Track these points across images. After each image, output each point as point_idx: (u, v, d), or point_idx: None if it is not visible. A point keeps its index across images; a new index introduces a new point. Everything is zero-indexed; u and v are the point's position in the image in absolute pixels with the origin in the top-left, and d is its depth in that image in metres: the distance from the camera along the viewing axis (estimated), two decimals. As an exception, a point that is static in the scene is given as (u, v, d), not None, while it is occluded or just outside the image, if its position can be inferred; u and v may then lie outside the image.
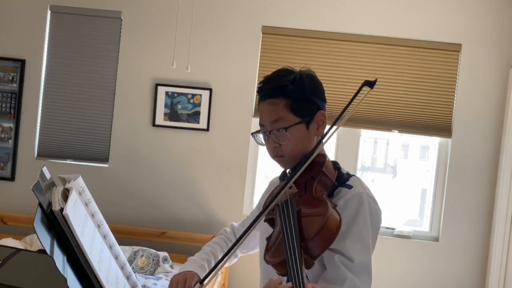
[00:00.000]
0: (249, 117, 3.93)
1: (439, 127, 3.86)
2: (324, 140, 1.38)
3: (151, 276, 3.38)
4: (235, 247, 1.35)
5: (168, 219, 3.96)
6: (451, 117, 3.85)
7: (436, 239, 3.91)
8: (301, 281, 1.07)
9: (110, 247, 1.32)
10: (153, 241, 3.84)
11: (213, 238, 1.75)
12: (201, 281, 1.39)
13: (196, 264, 1.54)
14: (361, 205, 1.34)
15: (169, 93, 3.93)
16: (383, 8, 3.87)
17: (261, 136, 1.47)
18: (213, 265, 1.54)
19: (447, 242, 3.86)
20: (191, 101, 3.93)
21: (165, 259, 3.58)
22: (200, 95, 3.92)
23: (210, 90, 3.92)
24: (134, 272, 2.58)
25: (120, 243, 1.53)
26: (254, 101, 3.93)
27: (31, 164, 3.97)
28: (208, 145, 3.95)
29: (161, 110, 3.94)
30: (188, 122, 3.93)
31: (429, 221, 3.97)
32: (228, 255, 1.38)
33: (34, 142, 4.01)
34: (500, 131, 3.82)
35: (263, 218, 1.34)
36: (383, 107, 3.85)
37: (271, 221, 1.35)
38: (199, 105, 3.93)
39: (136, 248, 3.64)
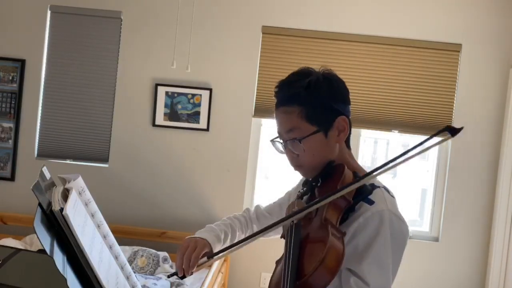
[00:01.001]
0: (249, 117, 3.93)
1: (439, 127, 3.85)
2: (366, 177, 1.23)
3: (151, 276, 3.38)
4: (249, 239, 1.30)
5: (168, 219, 3.96)
6: (451, 117, 3.85)
7: (436, 239, 3.91)
8: None
9: (110, 247, 1.32)
10: (153, 241, 3.84)
11: (235, 214, 1.67)
12: (211, 256, 1.35)
13: (213, 233, 1.47)
14: (382, 225, 1.22)
15: (169, 93, 3.93)
16: (383, 8, 3.87)
17: (279, 144, 1.38)
18: (228, 241, 1.50)
19: (447, 242, 3.87)
20: (191, 101, 3.93)
21: (165, 259, 3.58)
22: (200, 95, 3.92)
23: (210, 90, 3.92)
24: (134, 272, 2.58)
25: (120, 243, 1.53)
26: (254, 101, 3.93)
27: (31, 164, 3.97)
28: (208, 145, 3.95)
29: (161, 110, 3.94)
30: (188, 122, 3.93)
31: (429, 221, 3.97)
32: (242, 243, 1.32)
33: (34, 142, 4.01)
34: (500, 131, 3.82)
35: (278, 228, 1.30)
36: (383, 107, 3.85)
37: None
38: (199, 105, 3.93)
39: (136, 248, 3.64)
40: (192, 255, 1.36)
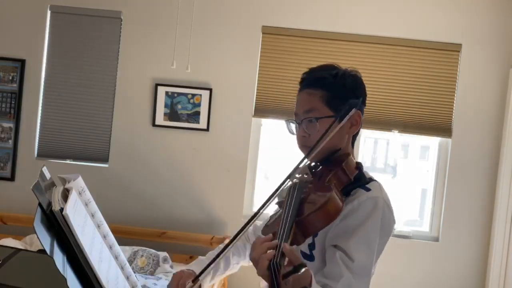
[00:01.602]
0: (249, 117, 3.93)
1: (439, 127, 3.86)
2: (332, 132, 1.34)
3: (151, 276, 3.38)
4: (237, 237, 1.33)
5: (168, 219, 3.96)
6: (451, 117, 3.85)
7: (436, 239, 3.91)
8: (280, 246, 1.07)
9: (110, 247, 1.32)
10: (153, 241, 3.84)
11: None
12: (194, 279, 1.39)
13: (198, 262, 1.54)
14: (375, 209, 1.32)
15: (169, 93, 3.93)
16: (383, 8, 3.87)
17: (293, 125, 1.46)
18: (222, 266, 1.55)
19: (447, 242, 3.87)
20: (191, 101, 3.93)
21: (165, 259, 3.58)
22: (200, 95, 3.92)
23: (210, 90, 3.92)
24: (134, 272, 2.58)
25: (120, 243, 1.53)
26: (254, 101, 3.93)
27: (31, 164, 3.97)
28: (208, 145, 3.95)
29: (161, 110, 3.94)
30: (188, 122, 3.93)
31: (429, 221, 3.97)
32: (227, 248, 1.37)
33: (34, 142, 4.01)
34: (500, 131, 3.82)
35: (275, 200, 1.34)
36: (383, 107, 3.85)
37: (281, 204, 1.34)
38: (199, 105, 3.93)
39: (136, 248, 3.64)
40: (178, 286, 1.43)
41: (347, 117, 1.36)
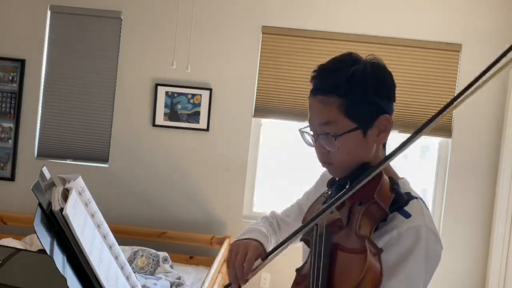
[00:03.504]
0: (249, 117, 3.93)
1: (439, 127, 3.86)
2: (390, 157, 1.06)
3: (151, 276, 3.38)
4: (277, 251, 1.16)
5: (168, 219, 3.96)
6: (451, 117, 3.85)
7: (436, 239, 3.90)
8: None
9: (110, 247, 1.32)
10: (153, 241, 3.84)
11: (258, 221, 1.48)
12: (265, 257, 1.20)
13: (259, 232, 1.31)
14: (418, 242, 1.07)
15: (169, 93, 3.93)
16: (383, 8, 3.87)
17: (308, 136, 1.21)
18: (273, 241, 1.34)
19: (447, 242, 3.86)
20: (191, 101, 3.93)
21: (165, 259, 3.58)
22: (200, 95, 3.92)
23: (210, 90, 3.92)
24: (134, 272, 2.58)
25: (120, 243, 1.53)
26: (254, 101, 3.93)
27: (31, 164, 3.97)
28: (208, 145, 3.95)
29: (161, 110, 3.94)
30: (188, 122, 3.93)
31: (429, 221, 3.96)
32: (277, 251, 1.17)
33: (34, 142, 4.01)
34: (500, 131, 3.82)
35: (299, 237, 1.14)
36: (383, 107, 3.84)
37: (307, 242, 1.15)
38: (199, 105, 3.93)
39: (136, 248, 3.63)
40: (245, 260, 1.19)
41: (375, 124, 1.15)
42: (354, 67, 1.16)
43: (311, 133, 1.20)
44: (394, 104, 1.23)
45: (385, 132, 1.19)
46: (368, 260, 0.97)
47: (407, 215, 1.09)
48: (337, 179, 1.22)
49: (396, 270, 1.06)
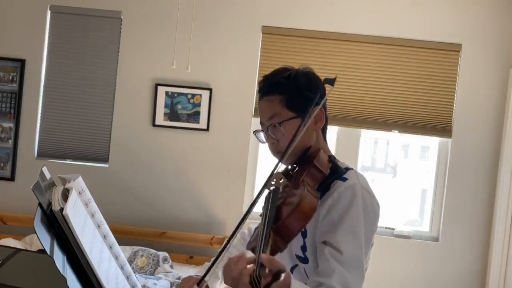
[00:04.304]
0: (249, 117, 3.93)
1: (439, 127, 3.86)
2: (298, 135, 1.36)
3: (151, 276, 3.38)
4: (230, 242, 1.34)
5: (168, 219, 3.96)
6: (451, 117, 3.85)
7: (436, 239, 3.91)
8: (258, 254, 1.07)
9: (110, 247, 1.32)
10: (153, 241, 3.84)
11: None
12: (199, 282, 1.39)
13: (204, 267, 1.53)
14: (354, 197, 1.31)
15: (169, 93, 3.93)
16: (383, 8, 3.87)
17: (261, 134, 1.49)
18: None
19: (447, 242, 3.86)
20: (191, 101, 3.93)
21: (165, 259, 3.58)
22: (200, 95, 3.92)
23: (210, 90, 3.92)
24: (134, 272, 2.58)
25: (120, 243, 1.53)
26: (254, 101, 3.93)
27: (31, 164, 3.97)
28: (208, 145, 3.95)
29: (161, 110, 3.94)
30: (188, 122, 3.93)
31: (429, 221, 3.97)
32: (224, 251, 1.37)
33: (34, 142, 4.01)
34: (500, 131, 3.82)
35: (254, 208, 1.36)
36: (383, 107, 3.85)
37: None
38: (199, 105, 3.93)
39: (136, 248, 3.64)
40: None
41: (311, 115, 1.38)
42: (288, 72, 1.45)
43: (262, 132, 1.47)
44: (325, 100, 1.45)
45: (321, 121, 1.45)
46: (305, 191, 1.22)
47: (344, 179, 1.35)
48: (289, 167, 1.48)
49: (339, 223, 1.29)
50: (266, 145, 1.52)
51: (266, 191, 1.35)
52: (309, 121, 1.37)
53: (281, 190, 1.32)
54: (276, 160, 1.41)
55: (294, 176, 1.36)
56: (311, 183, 1.31)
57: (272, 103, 1.42)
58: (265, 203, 1.30)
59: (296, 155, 1.42)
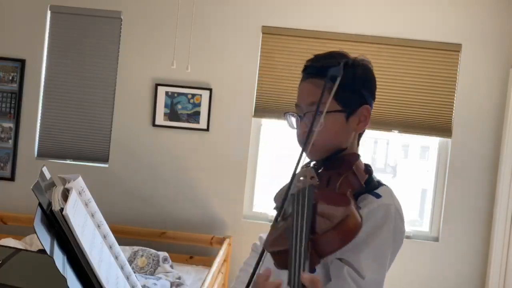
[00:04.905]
0: (249, 117, 3.93)
1: (439, 127, 3.86)
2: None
3: (151, 276, 3.38)
4: (263, 257, 1.14)
5: (168, 219, 3.96)
6: (451, 117, 3.85)
7: (436, 239, 3.91)
8: (297, 274, 0.91)
9: (110, 247, 1.32)
10: (153, 241, 3.84)
11: (245, 260, 1.49)
12: None
13: (239, 281, 1.38)
14: (387, 219, 1.17)
15: (169, 93, 3.93)
16: (383, 8, 3.87)
17: (293, 119, 1.30)
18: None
19: (447, 242, 3.87)
20: (191, 101, 3.93)
21: (165, 259, 3.58)
22: (200, 95, 3.92)
23: (210, 90, 3.92)
24: (134, 272, 2.58)
25: (120, 243, 1.53)
26: (254, 101, 3.93)
27: (31, 164, 3.97)
28: (208, 145, 3.95)
29: (161, 110, 3.94)
30: (188, 122, 3.94)
31: (429, 221, 3.97)
32: (259, 265, 1.15)
33: (34, 142, 4.01)
34: (500, 131, 3.82)
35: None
36: (383, 107, 3.85)
37: (282, 214, 1.16)
38: (199, 105, 3.93)
39: (136, 248, 3.64)
40: None
41: (357, 113, 1.24)
42: (346, 59, 1.29)
43: (296, 116, 1.29)
44: (374, 102, 1.33)
45: (364, 122, 1.28)
46: (351, 207, 1.01)
47: (378, 196, 1.19)
48: (313, 163, 1.29)
49: (365, 244, 1.13)
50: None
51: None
52: (353, 116, 1.23)
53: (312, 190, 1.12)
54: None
55: (326, 179, 1.17)
56: (352, 194, 1.12)
57: (318, 88, 1.21)
58: (293, 203, 1.07)
59: (326, 152, 1.25)
